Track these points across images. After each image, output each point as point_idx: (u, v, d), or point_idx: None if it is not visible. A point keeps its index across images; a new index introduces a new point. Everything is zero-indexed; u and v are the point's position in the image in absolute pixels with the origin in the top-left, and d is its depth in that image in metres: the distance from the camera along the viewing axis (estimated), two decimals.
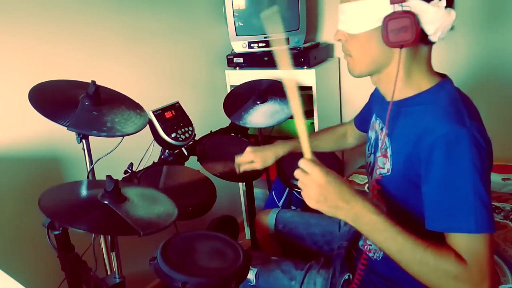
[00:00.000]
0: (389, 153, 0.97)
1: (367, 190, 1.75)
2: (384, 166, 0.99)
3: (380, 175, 0.99)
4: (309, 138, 0.89)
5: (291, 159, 1.47)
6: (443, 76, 0.96)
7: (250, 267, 1.19)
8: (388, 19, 0.84)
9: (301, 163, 0.86)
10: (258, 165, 1.35)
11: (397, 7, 0.84)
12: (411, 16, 0.82)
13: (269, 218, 1.43)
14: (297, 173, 0.86)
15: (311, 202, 0.85)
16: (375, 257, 1.09)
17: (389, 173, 0.97)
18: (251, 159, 1.34)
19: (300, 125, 0.89)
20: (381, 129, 1.03)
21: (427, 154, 0.85)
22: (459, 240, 0.81)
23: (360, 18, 0.89)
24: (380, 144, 1.01)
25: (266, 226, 1.43)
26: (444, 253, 0.81)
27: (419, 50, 0.91)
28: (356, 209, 0.83)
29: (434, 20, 0.84)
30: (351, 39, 0.93)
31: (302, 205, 1.80)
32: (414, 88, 0.94)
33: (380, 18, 0.86)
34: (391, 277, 1.06)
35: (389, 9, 0.84)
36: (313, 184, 0.84)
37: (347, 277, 1.13)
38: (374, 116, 1.11)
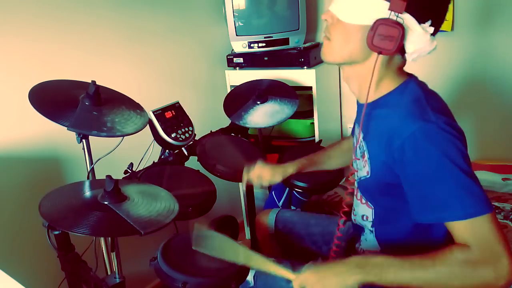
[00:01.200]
0: (366, 156, 0.99)
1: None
2: (363, 169, 1.01)
3: (362, 178, 1.02)
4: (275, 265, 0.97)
5: (291, 159, 1.47)
6: (410, 75, 0.98)
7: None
8: (380, 22, 0.85)
9: (294, 284, 0.92)
10: (265, 181, 1.31)
11: (393, 15, 0.85)
12: (401, 28, 0.84)
13: (269, 218, 1.43)
14: None
15: None
16: None
17: (369, 176, 0.99)
18: (260, 173, 1.31)
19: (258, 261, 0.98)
20: (359, 133, 1.05)
21: (399, 156, 0.87)
22: (458, 229, 0.83)
23: (355, 8, 0.89)
24: (357, 148, 1.04)
25: (266, 226, 1.43)
26: (448, 252, 0.82)
27: (394, 59, 0.93)
28: (356, 270, 0.86)
29: (417, 42, 0.87)
30: (337, 24, 0.93)
31: (302, 205, 1.80)
32: (381, 91, 0.96)
33: (374, 18, 0.87)
34: None
35: (385, 13, 0.86)
36: (314, 287, 0.88)
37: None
38: (356, 122, 1.13)
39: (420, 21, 0.86)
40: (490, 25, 1.82)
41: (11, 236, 1.44)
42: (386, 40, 0.85)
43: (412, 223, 0.96)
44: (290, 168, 1.32)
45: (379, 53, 0.88)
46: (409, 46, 0.88)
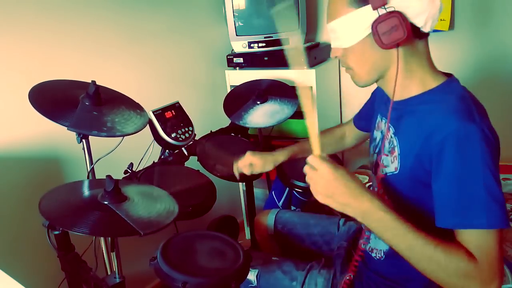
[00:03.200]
0: (396, 152, 0.97)
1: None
2: (390, 165, 0.99)
3: (385, 174, 0.99)
4: (318, 136, 0.89)
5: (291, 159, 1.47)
6: (449, 75, 0.97)
7: (251, 268, 1.19)
8: (376, 23, 0.85)
9: (310, 158, 0.87)
10: (257, 169, 1.34)
11: (381, 10, 0.85)
12: (397, 14, 0.84)
13: (268, 219, 1.43)
14: (306, 169, 0.87)
15: (319, 197, 0.86)
16: (377, 257, 1.08)
17: (397, 172, 0.96)
18: (250, 161, 1.33)
19: (310, 122, 0.89)
20: (388, 128, 1.03)
21: (437, 151, 0.85)
22: (470, 237, 0.81)
23: (349, 31, 0.90)
24: (386, 144, 1.01)
25: (265, 227, 1.43)
26: (454, 251, 0.81)
27: (416, 46, 0.91)
28: (365, 206, 0.84)
29: (420, 12, 0.85)
30: (347, 53, 0.94)
31: (302, 205, 1.80)
32: (419, 87, 0.94)
33: (368, 25, 0.87)
34: (393, 277, 1.05)
35: (374, 14, 0.85)
36: (321, 179, 0.85)
37: (348, 278, 1.13)
38: (379, 116, 1.11)
39: None
40: (492, 23, 1.82)
41: (11, 236, 1.44)
42: (393, 32, 0.84)
43: (429, 231, 0.94)
44: (280, 156, 1.34)
45: (397, 46, 0.87)
46: (418, 21, 0.86)
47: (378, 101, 1.16)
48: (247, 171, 1.34)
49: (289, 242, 1.40)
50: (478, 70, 1.90)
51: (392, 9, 0.84)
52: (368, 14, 0.86)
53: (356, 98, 2.26)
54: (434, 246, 0.81)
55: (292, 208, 1.85)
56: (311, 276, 1.18)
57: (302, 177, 1.51)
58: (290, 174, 1.55)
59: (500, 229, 0.80)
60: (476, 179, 0.81)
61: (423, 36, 0.91)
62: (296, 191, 1.72)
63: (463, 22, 1.85)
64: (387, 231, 0.84)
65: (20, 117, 1.41)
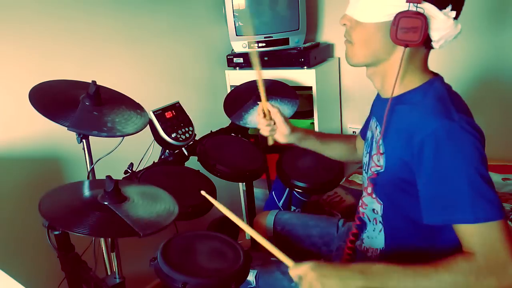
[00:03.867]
0: (382, 150, 0.99)
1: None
2: (378, 163, 1.00)
3: (375, 172, 1.01)
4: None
5: (291, 159, 1.48)
6: (436, 74, 0.98)
7: (250, 269, 1.19)
8: (400, 16, 0.85)
9: (291, 272, 0.93)
10: (279, 132, 1.24)
11: (412, 7, 0.85)
12: (423, 18, 0.84)
13: (267, 220, 1.43)
14: (298, 282, 0.92)
15: None
16: (373, 256, 1.09)
17: (383, 170, 0.99)
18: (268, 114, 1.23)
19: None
20: (376, 127, 1.05)
21: (418, 151, 0.87)
22: (465, 230, 0.83)
23: (372, 8, 0.89)
24: (375, 143, 1.03)
25: (265, 228, 1.43)
26: (452, 261, 0.82)
27: (418, 52, 0.93)
28: (360, 276, 0.87)
29: (441, 28, 0.87)
30: (357, 26, 0.94)
31: (302, 206, 1.80)
32: (405, 86, 0.96)
33: (392, 13, 0.87)
34: None
35: (404, 6, 0.85)
36: (313, 283, 0.89)
37: None
38: (373, 116, 1.12)
39: (441, 7, 0.85)
40: (492, 25, 1.82)
41: (11, 236, 1.44)
42: (410, 32, 0.85)
43: (417, 226, 0.96)
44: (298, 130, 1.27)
45: (406, 46, 0.87)
46: (434, 34, 0.87)
47: (374, 105, 1.18)
48: (270, 135, 1.26)
49: (289, 243, 1.40)
50: (479, 71, 1.89)
51: (422, 11, 0.85)
52: (400, 3, 0.86)
53: (356, 98, 2.26)
54: (435, 270, 0.82)
55: (292, 208, 1.85)
56: None
57: (302, 177, 1.52)
58: (291, 174, 1.55)
59: (495, 221, 0.80)
60: (458, 176, 0.82)
61: (429, 47, 0.92)
62: (296, 191, 1.72)
63: (464, 23, 1.85)
64: (389, 279, 0.86)
65: (20, 117, 1.41)
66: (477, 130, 0.85)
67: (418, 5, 0.84)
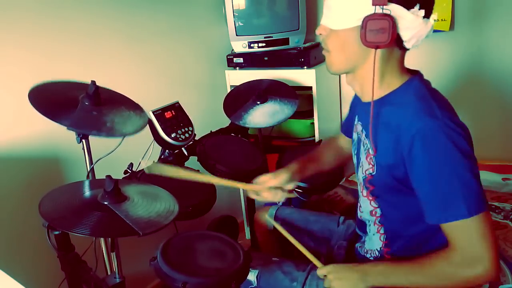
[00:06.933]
0: (371, 153, 1.00)
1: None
2: (368, 166, 1.02)
3: (369, 175, 1.02)
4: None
5: (291, 159, 1.46)
6: (414, 72, 0.99)
7: (251, 269, 1.19)
8: (368, 19, 0.87)
9: (318, 272, 1.05)
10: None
11: (378, 9, 0.86)
12: (390, 19, 0.86)
13: (268, 215, 1.43)
14: (326, 283, 1.02)
15: None
16: (372, 257, 1.11)
17: (374, 173, 1.00)
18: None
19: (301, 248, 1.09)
20: (362, 130, 1.06)
21: (407, 152, 0.88)
22: (450, 228, 0.86)
23: (343, 14, 0.92)
24: (363, 146, 1.05)
25: (265, 223, 1.43)
26: (433, 256, 0.90)
27: (393, 53, 0.94)
28: (366, 277, 0.97)
29: (411, 27, 0.88)
30: (331, 34, 0.96)
31: (302, 206, 1.80)
32: (385, 88, 0.97)
33: (361, 17, 0.88)
34: None
35: (371, 9, 0.87)
36: (332, 282, 1.00)
37: None
38: (356, 118, 1.14)
39: (408, 7, 0.87)
40: (486, 24, 1.82)
41: (11, 236, 1.44)
42: (379, 34, 0.86)
43: (415, 226, 0.99)
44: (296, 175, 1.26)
45: (376, 47, 0.89)
46: (404, 34, 0.89)
47: (354, 102, 1.19)
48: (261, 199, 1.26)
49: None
50: (478, 70, 1.89)
51: (388, 12, 0.86)
52: (366, 7, 0.87)
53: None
54: (419, 268, 0.91)
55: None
56: (312, 276, 1.17)
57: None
58: None
59: (481, 213, 0.84)
60: (448, 172, 0.85)
61: (403, 48, 0.93)
62: (296, 191, 1.72)
63: (464, 23, 1.85)
64: (389, 278, 0.95)
65: (20, 117, 1.41)
66: (460, 126, 0.87)
67: (384, 7, 0.86)
